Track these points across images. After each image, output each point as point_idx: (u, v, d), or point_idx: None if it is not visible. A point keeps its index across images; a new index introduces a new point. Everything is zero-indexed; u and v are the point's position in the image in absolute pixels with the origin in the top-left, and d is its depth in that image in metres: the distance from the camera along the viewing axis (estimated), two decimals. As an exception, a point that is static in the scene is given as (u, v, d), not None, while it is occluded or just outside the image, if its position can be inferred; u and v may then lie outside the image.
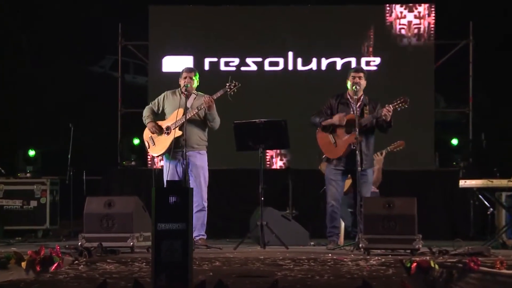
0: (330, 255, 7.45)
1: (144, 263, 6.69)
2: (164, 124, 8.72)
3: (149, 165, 11.66)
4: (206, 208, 8.66)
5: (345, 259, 7.01)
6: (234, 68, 11.94)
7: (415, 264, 6.00)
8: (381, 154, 9.41)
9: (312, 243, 9.24)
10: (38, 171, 11.37)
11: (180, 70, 8.90)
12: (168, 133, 8.63)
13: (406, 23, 11.90)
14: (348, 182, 8.90)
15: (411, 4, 11.95)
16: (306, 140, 9.64)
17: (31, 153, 11.43)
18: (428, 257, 6.70)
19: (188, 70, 8.83)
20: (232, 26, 12.15)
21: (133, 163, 11.69)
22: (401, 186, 10.82)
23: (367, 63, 11.87)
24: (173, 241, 5.50)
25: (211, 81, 10.38)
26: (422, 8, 11.93)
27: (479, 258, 5.95)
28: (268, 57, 12.01)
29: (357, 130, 8.21)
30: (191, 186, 8.13)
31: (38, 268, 6.30)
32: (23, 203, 10.96)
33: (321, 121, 8.58)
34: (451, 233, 10.16)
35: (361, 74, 8.55)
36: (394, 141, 9.44)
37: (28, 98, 13.97)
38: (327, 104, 8.67)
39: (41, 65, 14.38)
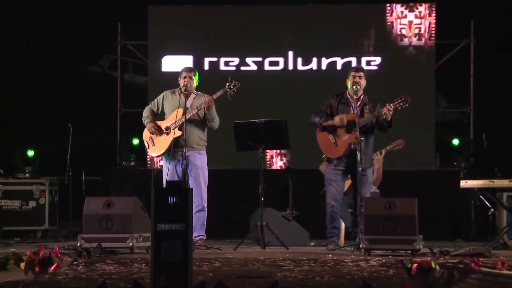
0: (330, 255, 7.45)
1: (144, 264, 6.67)
2: (163, 124, 8.69)
3: (149, 165, 11.64)
4: (206, 209, 8.65)
5: (345, 260, 6.99)
6: (234, 68, 11.92)
7: (416, 264, 5.97)
8: (381, 153, 9.39)
9: (312, 243, 9.22)
10: (37, 171, 11.34)
11: (179, 69, 8.88)
12: (167, 133, 8.61)
13: (406, 23, 11.87)
14: (348, 182, 8.88)
15: (411, 4, 11.93)
16: (306, 140, 9.62)
17: (30, 153, 11.41)
18: (429, 258, 6.68)
19: (188, 69, 8.80)
20: (232, 25, 12.12)
21: (132, 163, 11.66)
22: (402, 187, 10.81)
23: (368, 63, 11.84)
24: (173, 241, 5.48)
25: (210, 81, 10.36)
26: (423, 8, 11.90)
27: (480, 259, 5.92)
28: (268, 57, 11.98)
29: (358, 129, 8.20)
30: (190, 187, 8.11)
31: (37, 269, 6.28)
32: (22, 204, 10.94)
33: (321, 122, 8.55)
34: (452, 233, 10.11)
35: (361, 74, 8.54)
36: (394, 141, 9.42)
37: (28, 98, 13.94)
38: (327, 103, 8.65)
39: (41, 65, 14.36)
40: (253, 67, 12.01)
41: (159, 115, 8.85)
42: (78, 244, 7.73)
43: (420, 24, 11.88)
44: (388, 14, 11.93)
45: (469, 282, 5.58)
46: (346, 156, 8.47)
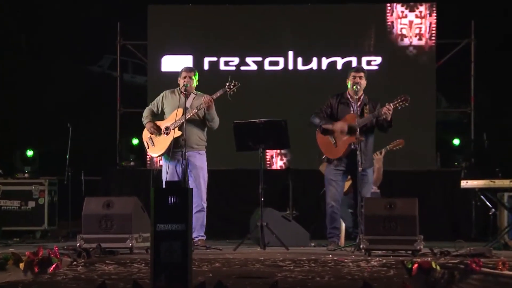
0: (330, 256, 7.45)
1: (143, 264, 6.66)
2: (163, 124, 8.67)
3: (148, 165, 11.62)
4: (206, 209, 8.62)
5: (345, 260, 6.98)
6: (234, 68, 11.90)
7: (417, 265, 5.97)
8: (381, 153, 9.38)
9: (312, 244, 9.21)
10: (36, 171, 11.33)
11: (179, 69, 8.86)
12: (167, 134, 8.58)
13: (407, 22, 11.85)
14: (348, 182, 8.86)
15: (412, 4, 11.91)
16: (306, 140, 9.60)
17: (29, 153, 11.40)
18: (429, 258, 6.66)
19: (188, 69, 8.78)
20: (232, 25, 12.10)
21: (132, 163, 11.65)
22: (402, 187, 10.79)
23: (368, 63, 11.82)
24: (173, 242, 5.46)
25: (210, 80, 10.34)
26: (423, 8, 11.88)
27: (481, 259, 5.92)
28: (268, 57, 11.96)
29: (358, 129, 8.18)
30: (190, 187, 8.08)
31: (36, 269, 6.27)
32: (21, 204, 10.92)
33: (321, 124, 8.53)
34: (453, 234, 10.08)
35: (362, 74, 8.52)
36: (394, 140, 9.39)
37: (28, 98, 13.93)
38: (327, 103, 8.63)
39: (41, 65, 14.36)
40: (253, 67, 11.99)
41: (159, 115, 8.83)
42: (78, 244, 7.71)
43: (421, 24, 11.86)
44: (388, 14, 11.91)
45: (470, 283, 5.58)
46: (346, 156, 8.46)
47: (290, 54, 11.95)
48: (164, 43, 12.12)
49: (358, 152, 8.11)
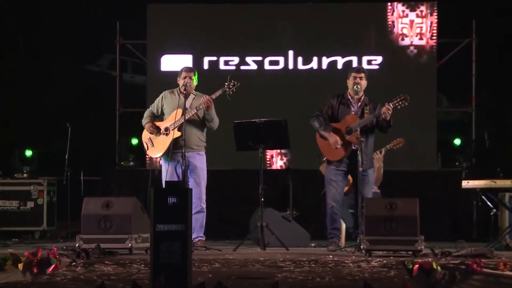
0: (331, 256, 7.44)
1: (143, 265, 6.65)
2: (162, 124, 8.63)
3: (148, 165, 11.59)
4: (205, 210, 8.60)
5: (346, 261, 6.97)
6: (233, 67, 11.89)
7: (417, 265, 5.98)
8: (381, 152, 9.35)
9: (312, 244, 9.19)
10: (35, 171, 11.32)
11: (179, 69, 8.83)
12: (166, 134, 8.55)
13: (408, 22, 11.83)
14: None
15: (413, 3, 11.88)
16: (306, 140, 9.57)
17: (28, 153, 11.39)
18: (430, 259, 6.67)
19: (187, 69, 8.74)
20: (231, 24, 12.08)
21: (131, 163, 11.63)
22: (403, 187, 10.78)
23: (369, 62, 11.80)
24: (172, 242, 5.46)
25: (210, 80, 10.31)
26: (424, 7, 11.87)
27: (482, 260, 5.93)
28: (268, 56, 11.94)
29: (359, 130, 8.16)
30: (190, 187, 8.05)
31: (35, 270, 6.28)
32: (19, 204, 10.91)
33: (320, 130, 8.50)
34: (454, 234, 10.07)
35: (362, 75, 8.51)
36: (394, 140, 9.37)
37: (27, 98, 13.90)
38: (327, 104, 8.61)
39: (40, 65, 14.33)
40: (253, 66, 11.97)
41: (159, 116, 8.80)
42: (77, 244, 7.68)
43: (422, 23, 11.84)
44: (389, 13, 11.89)
45: (471, 283, 5.58)
46: (347, 157, 8.43)
47: (290, 53, 11.93)
48: (163, 42, 12.10)
49: (358, 152, 8.10)
